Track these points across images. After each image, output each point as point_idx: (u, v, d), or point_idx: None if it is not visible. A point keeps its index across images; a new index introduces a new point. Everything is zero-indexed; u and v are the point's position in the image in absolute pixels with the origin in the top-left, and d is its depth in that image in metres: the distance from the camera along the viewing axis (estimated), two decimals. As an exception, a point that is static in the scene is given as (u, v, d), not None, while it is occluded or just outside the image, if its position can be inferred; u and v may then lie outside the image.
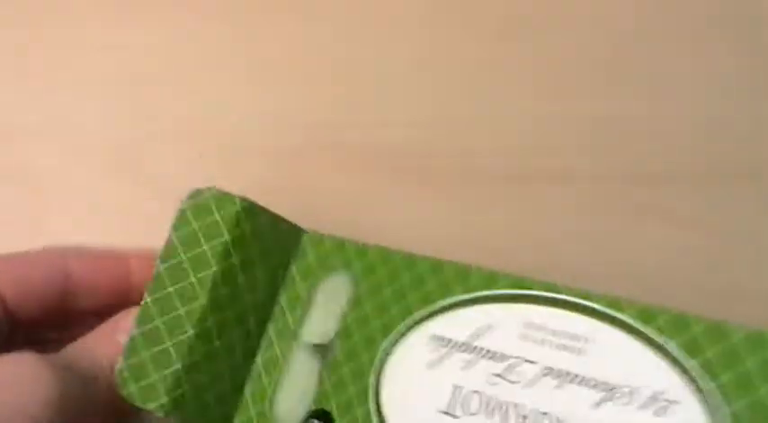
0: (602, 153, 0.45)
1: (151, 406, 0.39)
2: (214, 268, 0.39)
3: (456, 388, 0.37)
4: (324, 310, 0.41)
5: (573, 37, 0.47)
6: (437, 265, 0.38)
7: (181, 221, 0.40)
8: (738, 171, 0.44)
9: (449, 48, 0.47)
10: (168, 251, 0.39)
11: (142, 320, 0.39)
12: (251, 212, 0.40)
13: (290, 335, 0.41)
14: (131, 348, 0.39)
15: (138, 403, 0.39)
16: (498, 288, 0.37)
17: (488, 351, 0.37)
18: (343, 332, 0.39)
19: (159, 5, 0.50)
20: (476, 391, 0.37)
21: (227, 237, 0.39)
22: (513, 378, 0.36)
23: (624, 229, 0.44)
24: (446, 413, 0.37)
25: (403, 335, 0.38)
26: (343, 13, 0.49)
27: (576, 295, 0.36)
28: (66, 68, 0.51)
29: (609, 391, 0.35)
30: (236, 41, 0.50)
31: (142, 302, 0.39)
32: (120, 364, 0.39)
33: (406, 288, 0.38)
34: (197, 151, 0.47)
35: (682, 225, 0.43)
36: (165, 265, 0.40)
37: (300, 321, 0.41)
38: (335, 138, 0.47)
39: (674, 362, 0.35)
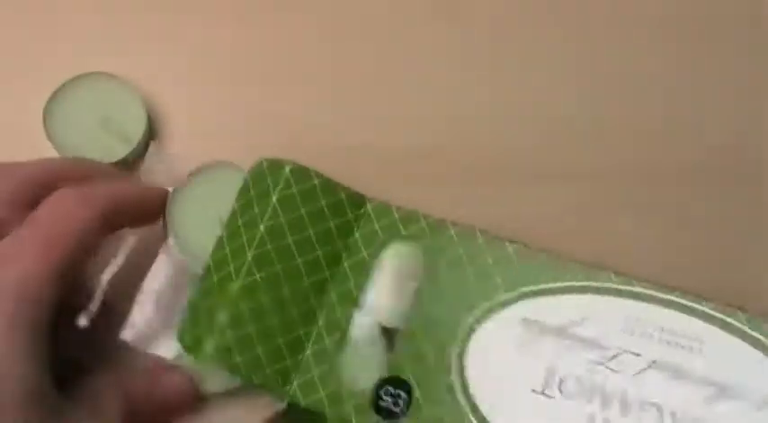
0: (608, 152, 0.44)
1: (199, 356, 0.36)
2: (261, 226, 0.37)
3: (550, 370, 0.35)
4: (391, 279, 0.39)
5: (574, 37, 0.47)
6: (527, 252, 0.37)
7: (243, 190, 0.39)
8: (739, 171, 0.44)
9: (451, 48, 0.46)
10: (231, 217, 0.38)
11: (203, 279, 0.38)
12: (300, 176, 0.38)
13: (353, 300, 0.38)
14: (190, 305, 0.38)
15: (189, 355, 0.36)
16: (600, 281, 0.36)
17: (587, 339, 0.36)
18: (419, 304, 0.37)
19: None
20: (573, 375, 0.35)
21: (274, 198, 0.38)
22: (615, 367, 0.35)
23: (625, 227, 0.43)
24: (540, 393, 0.35)
25: (488, 314, 0.37)
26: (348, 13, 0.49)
27: (686, 297, 0.36)
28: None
29: (721, 389, 0.35)
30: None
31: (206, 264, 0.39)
32: (180, 318, 0.38)
33: (490, 268, 0.37)
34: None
35: (682, 224, 0.43)
36: (227, 230, 0.38)
37: (364, 288, 0.38)
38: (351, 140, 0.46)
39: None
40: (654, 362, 0.35)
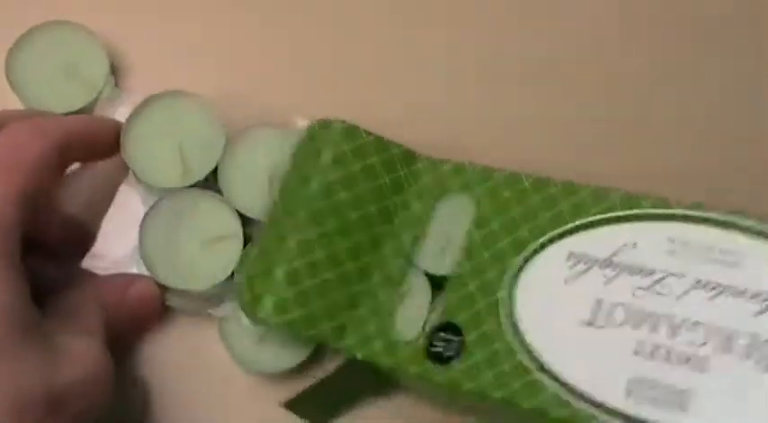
0: (610, 153, 0.45)
1: (259, 313, 0.38)
2: (314, 184, 0.39)
3: (598, 301, 0.36)
4: (442, 229, 0.39)
5: (575, 38, 0.47)
6: (571, 188, 0.37)
7: (296, 150, 0.40)
8: (740, 171, 0.44)
9: (453, 48, 0.47)
10: (284, 177, 0.40)
11: (259, 240, 0.39)
12: (351, 134, 0.40)
13: (406, 254, 0.39)
14: (246, 263, 0.39)
15: (247, 313, 0.38)
16: (640, 208, 0.36)
17: (632, 266, 0.36)
18: (468, 250, 0.38)
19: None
20: (620, 304, 0.35)
21: (326, 156, 0.39)
22: (661, 290, 0.35)
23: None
24: (589, 324, 0.35)
25: (536, 252, 0.37)
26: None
27: (726, 213, 0.35)
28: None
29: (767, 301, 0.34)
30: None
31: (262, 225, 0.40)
32: (238, 278, 0.39)
33: (537, 208, 0.37)
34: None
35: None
36: (280, 189, 0.40)
37: (416, 241, 0.39)
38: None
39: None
40: (698, 281, 0.35)
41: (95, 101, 0.42)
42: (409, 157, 0.40)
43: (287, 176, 0.40)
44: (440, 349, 0.36)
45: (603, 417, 0.33)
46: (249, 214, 0.40)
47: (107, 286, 0.39)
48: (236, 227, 0.40)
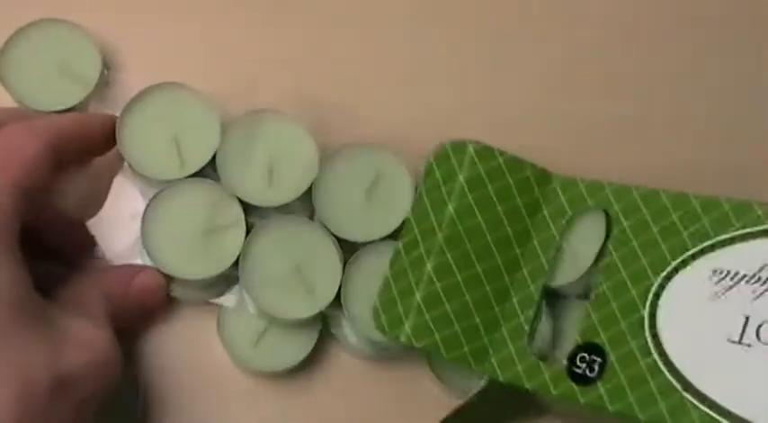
0: (613, 152, 0.45)
1: (397, 334, 0.38)
2: (450, 206, 0.39)
3: (747, 318, 0.34)
4: (579, 248, 0.39)
5: (578, 37, 0.47)
6: (711, 202, 0.36)
7: (427, 173, 0.40)
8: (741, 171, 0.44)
9: (457, 48, 0.47)
10: (417, 200, 0.40)
11: (393, 263, 0.39)
12: (484, 155, 0.39)
13: (544, 274, 0.39)
14: (384, 287, 0.39)
15: (388, 334, 0.38)
16: None
17: None
18: (607, 269, 0.37)
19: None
20: None
21: (460, 178, 0.39)
22: None
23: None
24: (736, 342, 0.34)
25: (678, 269, 0.36)
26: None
27: None
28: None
29: None
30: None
31: (395, 249, 0.40)
32: (374, 301, 0.39)
33: (677, 224, 0.36)
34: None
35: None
36: (414, 213, 0.40)
37: (554, 262, 0.39)
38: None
39: None
40: None
41: (89, 98, 0.42)
42: (544, 176, 0.40)
43: (421, 199, 0.40)
44: (582, 370, 0.36)
45: (756, 437, 0.32)
46: (250, 202, 0.40)
47: (111, 277, 0.39)
48: (237, 215, 0.40)
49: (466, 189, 0.39)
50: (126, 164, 0.40)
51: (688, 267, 0.36)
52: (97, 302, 0.37)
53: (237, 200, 0.40)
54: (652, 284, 0.36)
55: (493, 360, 0.38)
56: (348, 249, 0.40)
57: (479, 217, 0.39)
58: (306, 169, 0.41)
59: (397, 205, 0.41)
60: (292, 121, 0.41)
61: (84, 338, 0.35)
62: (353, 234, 0.40)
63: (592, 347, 0.36)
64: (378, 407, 0.41)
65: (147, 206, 0.39)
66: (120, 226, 0.41)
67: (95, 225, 0.41)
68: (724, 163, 0.45)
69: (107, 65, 0.43)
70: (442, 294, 0.38)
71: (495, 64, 0.46)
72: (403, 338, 0.37)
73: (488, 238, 0.39)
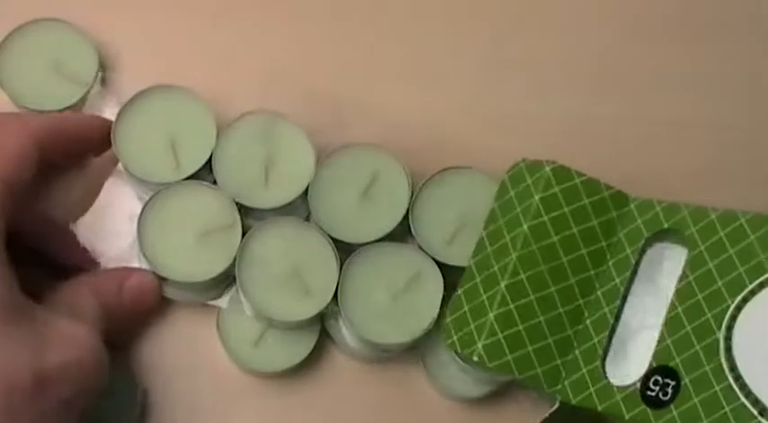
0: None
1: (468, 352, 0.38)
2: (525, 226, 0.39)
3: None
4: (653, 271, 0.39)
5: (577, 38, 0.47)
6: None
7: (501, 191, 0.40)
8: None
9: (456, 47, 0.47)
10: (490, 218, 0.40)
11: (465, 280, 0.40)
12: (561, 175, 0.39)
13: (618, 296, 0.39)
14: (455, 305, 0.40)
15: (460, 351, 0.39)
16: None
17: None
18: (683, 292, 0.36)
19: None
20: None
21: (536, 197, 0.39)
22: None
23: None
24: None
25: (756, 291, 0.36)
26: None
27: None
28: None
29: None
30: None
31: (467, 266, 0.40)
32: (447, 318, 0.40)
33: (754, 246, 0.36)
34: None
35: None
36: (487, 231, 0.40)
37: (629, 285, 0.39)
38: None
39: None
40: None
41: (85, 98, 0.42)
42: (621, 198, 0.40)
43: (495, 217, 0.40)
44: (655, 393, 0.36)
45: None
46: (246, 203, 0.40)
47: (104, 280, 0.39)
48: (233, 217, 0.39)
49: (541, 209, 0.39)
50: (121, 166, 0.40)
51: (765, 290, 0.36)
52: (87, 306, 0.37)
53: (234, 202, 0.40)
54: (728, 307, 0.36)
55: (566, 382, 0.38)
56: (345, 250, 0.40)
57: (554, 237, 0.39)
58: (302, 171, 0.41)
59: (393, 206, 0.41)
60: (289, 122, 0.41)
61: (68, 338, 0.35)
62: (350, 235, 0.40)
63: (666, 371, 0.36)
64: (375, 409, 0.41)
65: (143, 208, 0.39)
66: (117, 229, 0.41)
67: (92, 228, 0.41)
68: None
69: (103, 65, 0.43)
70: (515, 314, 0.38)
71: (495, 63, 0.46)
72: (475, 358, 0.38)
73: (563, 259, 0.39)
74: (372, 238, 0.40)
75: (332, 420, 0.41)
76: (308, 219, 0.41)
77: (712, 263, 0.37)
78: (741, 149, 0.45)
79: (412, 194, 0.41)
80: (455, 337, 0.39)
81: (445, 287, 0.40)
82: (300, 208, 0.41)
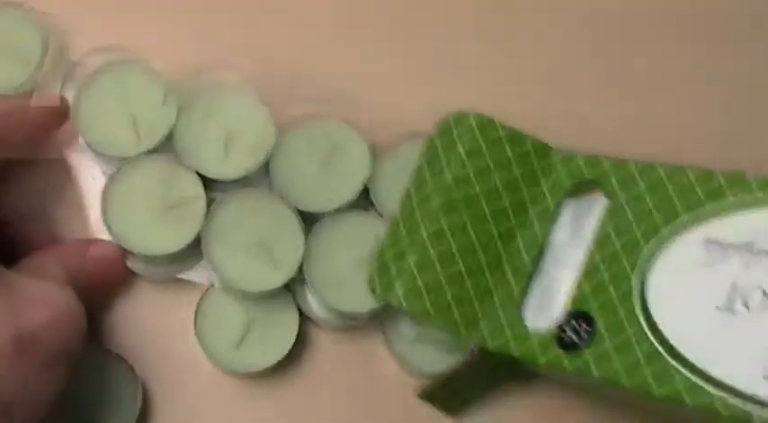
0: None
1: (389, 299, 0.38)
2: (448, 176, 0.39)
3: (734, 286, 0.34)
4: (573, 222, 0.40)
5: (577, 37, 0.47)
6: (706, 174, 0.36)
7: (429, 143, 0.41)
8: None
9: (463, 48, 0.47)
10: (417, 168, 0.40)
11: (389, 228, 0.40)
12: (486, 127, 0.40)
13: (538, 245, 0.39)
14: (378, 252, 0.40)
15: (380, 299, 0.39)
16: None
17: None
18: (601, 240, 0.37)
19: None
20: (760, 289, 0.34)
21: (459, 148, 0.39)
22: None
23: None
24: (724, 309, 0.34)
25: (670, 239, 0.36)
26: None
27: None
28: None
29: None
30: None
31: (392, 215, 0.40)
32: (371, 266, 0.40)
33: (671, 196, 0.37)
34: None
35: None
36: (414, 182, 0.40)
37: (548, 233, 0.39)
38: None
39: None
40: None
41: (33, 77, 0.41)
42: (543, 149, 0.40)
43: (420, 167, 0.40)
44: (571, 338, 0.36)
45: (739, 403, 0.32)
46: (207, 175, 0.40)
47: (67, 249, 0.39)
48: (197, 189, 0.40)
49: (465, 159, 0.39)
50: (83, 142, 0.40)
51: (680, 237, 0.36)
52: (53, 270, 0.37)
53: (196, 174, 0.40)
54: (644, 254, 0.36)
55: (483, 328, 0.38)
56: (308, 220, 0.40)
57: (477, 187, 0.39)
58: (262, 142, 0.41)
59: (353, 175, 0.41)
60: (247, 94, 0.41)
61: (43, 297, 0.35)
62: (312, 205, 0.41)
63: (581, 316, 0.36)
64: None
65: (106, 183, 0.39)
66: (83, 206, 0.41)
67: (58, 206, 0.41)
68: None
69: (50, 42, 0.42)
70: (435, 261, 0.38)
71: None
72: (394, 302, 0.38)
73: (485, 208, 0.39)
74: (334, 207, 0.41)
75: (313, 413, 0.42)
76: (271, 190, 0.41)
77: (630, 212, 0.37)
78: (741, 150, 0.45)
79: (372, 163, 0.41)
80: (376, 284, 0.39)
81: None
82: (263, 180, 0.41)
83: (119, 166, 0.40)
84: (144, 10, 0.44)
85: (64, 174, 0.41)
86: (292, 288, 0.41)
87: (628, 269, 0.36)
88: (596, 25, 0.47)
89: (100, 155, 0.40)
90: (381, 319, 0.41)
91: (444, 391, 0.39)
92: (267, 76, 0.43)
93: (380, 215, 0.41)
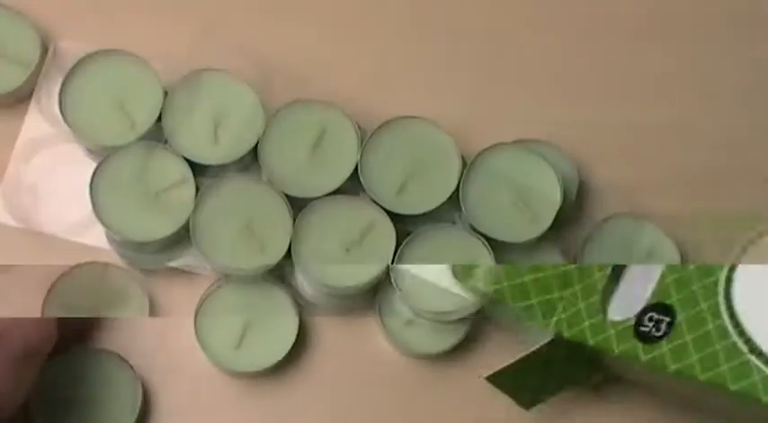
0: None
1: (469, 283, 0.39)
2: None
3: None
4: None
5: (577, 37, 0.46)
6: None
7: None
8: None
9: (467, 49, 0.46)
10: None
11: None
12: None
13: None
14: None
15: (460, 281, 0.39)
16: None
17: None
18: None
19: None
20: None
21: None
22: None
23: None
24: None
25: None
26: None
27: None
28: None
29: None
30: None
31: None
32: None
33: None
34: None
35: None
36: None
37: None
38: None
39: None
40: None
41: (33, 78, 0.42)
42: None
43: None
44: (649, 329, 0.35)
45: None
46: (196, 160, 0.40)
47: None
48: (186, 174, 0.40)
49: None
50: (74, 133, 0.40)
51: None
52: None
53: (185, 160, 0.40)
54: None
55: (560, 316, 0.37)
56: (297, 205, 0.40)
57: None
58: (251, 127, 0.41)
59: (342, 160, 0.41)
60: (236, 79, 0.41)
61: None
62: (300, 190, 0.40)
63: (662, 307, 0.35)
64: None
65: (95, 172, 0.39)
66: (73, 197, 0.41)
67: (49, 199, 0.41)
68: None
69: (47, 41, 0.42)
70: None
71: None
72: (474, 283, 0.38)
73: None
74: (323, 193, 0.40)
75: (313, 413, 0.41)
76: (260, 176, 0.41)
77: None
78: (741, 150, 0.44)
79: (360, 148, 0.41)
80: (457, 268, 0.39)
81: (396, 236, 0.40)
82: (252, 166, 0.41)
83: (107, 154, 0.40)
84: (144, 10, 0.44)
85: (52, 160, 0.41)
86: (286, 278, 0.41)
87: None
88: (596, 25, 0.46)
89: (89, 145, 0.41)
90: (378, 307, 0.41)
91: (513, 379, 0.38)
92: (267, 76, 0.43)
93: (370, 199, 0.40)
